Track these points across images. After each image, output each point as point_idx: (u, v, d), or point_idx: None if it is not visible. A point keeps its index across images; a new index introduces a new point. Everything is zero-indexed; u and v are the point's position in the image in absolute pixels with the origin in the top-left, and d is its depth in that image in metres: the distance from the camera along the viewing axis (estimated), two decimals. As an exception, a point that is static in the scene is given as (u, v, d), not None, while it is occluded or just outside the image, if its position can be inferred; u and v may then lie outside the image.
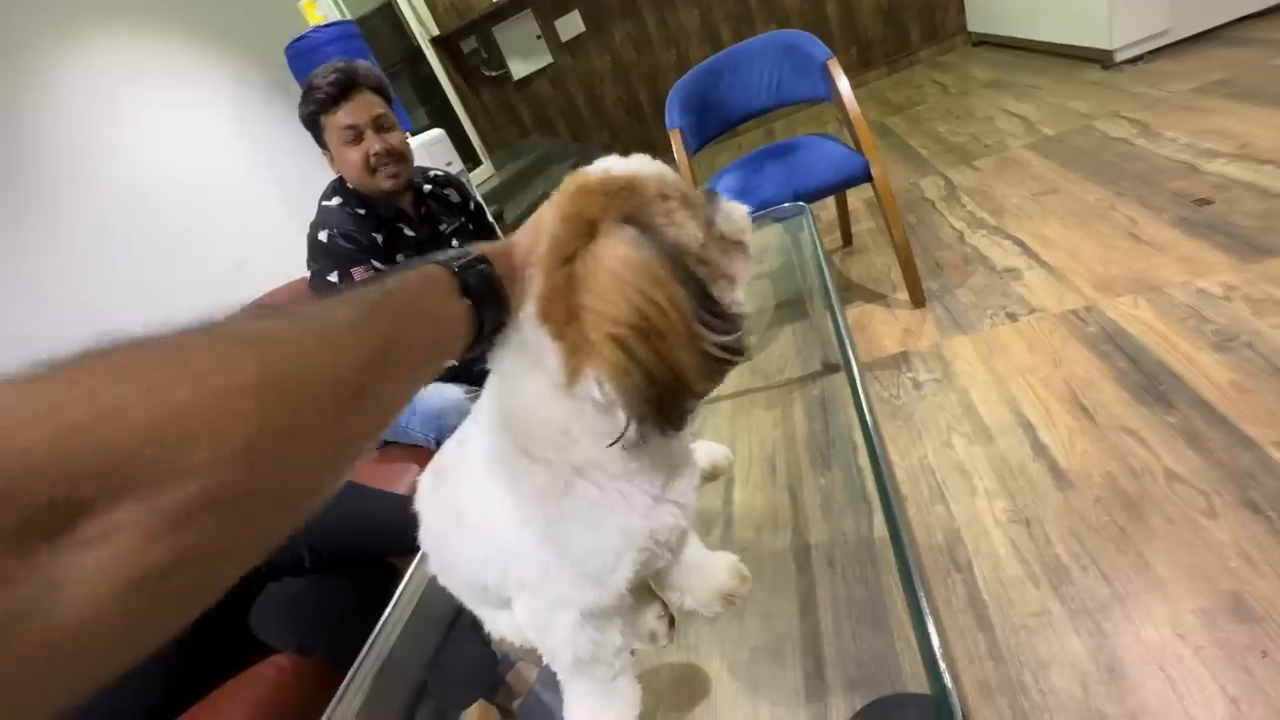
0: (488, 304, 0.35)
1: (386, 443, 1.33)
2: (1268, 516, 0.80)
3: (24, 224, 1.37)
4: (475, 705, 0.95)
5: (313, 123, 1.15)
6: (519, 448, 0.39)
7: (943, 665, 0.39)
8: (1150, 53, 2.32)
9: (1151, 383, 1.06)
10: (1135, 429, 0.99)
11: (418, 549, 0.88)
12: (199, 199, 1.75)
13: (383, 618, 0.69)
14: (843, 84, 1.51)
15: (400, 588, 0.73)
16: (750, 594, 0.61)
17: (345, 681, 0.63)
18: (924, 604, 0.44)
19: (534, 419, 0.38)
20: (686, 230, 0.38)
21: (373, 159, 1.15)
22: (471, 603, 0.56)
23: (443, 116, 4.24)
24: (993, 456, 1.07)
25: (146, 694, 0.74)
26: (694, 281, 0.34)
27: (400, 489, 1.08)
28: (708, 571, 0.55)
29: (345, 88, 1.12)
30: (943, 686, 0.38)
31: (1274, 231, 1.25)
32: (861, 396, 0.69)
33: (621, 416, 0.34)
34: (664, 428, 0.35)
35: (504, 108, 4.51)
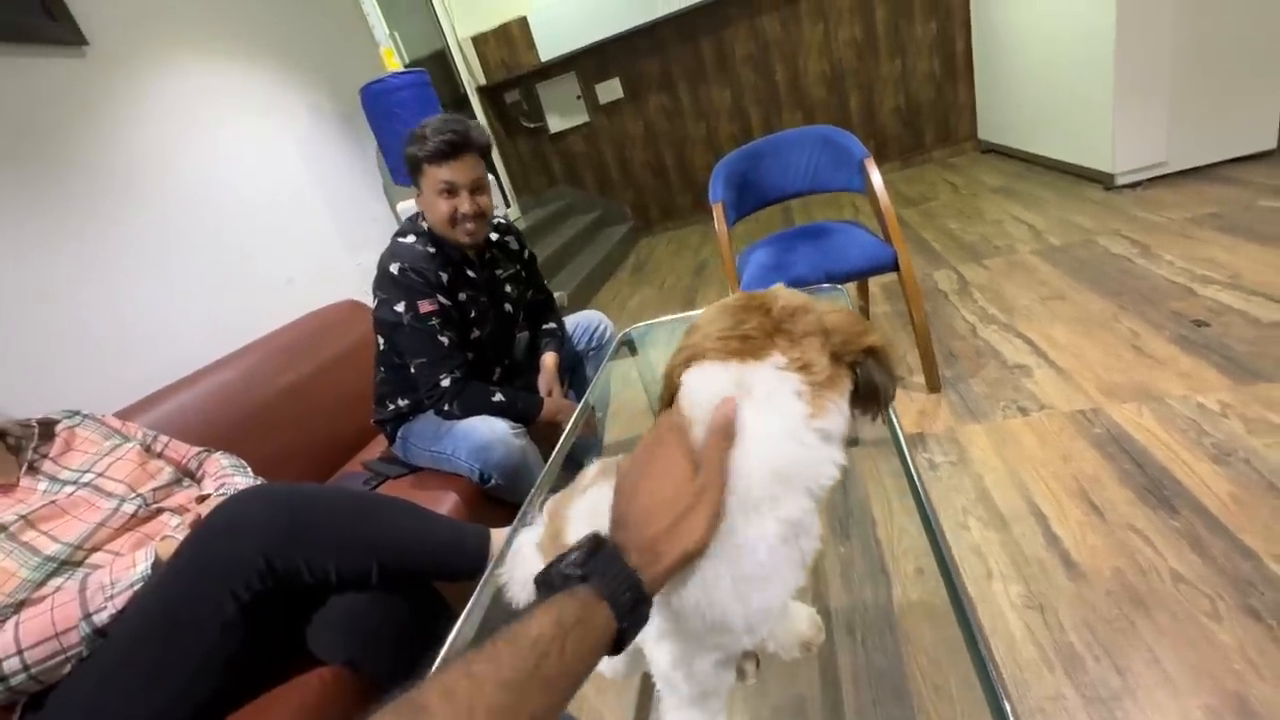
0: (633, 626, 0.40)
1: (420, 469, 1.37)
2: (1269, 625, 0.86)
3: (98, 230, 1.44)
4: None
5: (415, 166, 1.25)
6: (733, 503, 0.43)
7: (1010, 716, 0.44)
8: (1148, 180, 2.53)
9: (1156, 486, 1.14)
10: (1141, 529, 1.06)
11: (466, 575, 0.92)
12: (258, 217, 1.84)
13: (443, 650, 0.71)
14: (878, 181, 1.64)
15: (459, 622, 0.75)
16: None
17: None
18: (987, 657, 0.49)
19: (764, 471, 0.43)
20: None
21: (459, 215, 1.24)
22: None
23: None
24: (1007, 542, 1.13)
25: (199, 692, 0.76)
26: None
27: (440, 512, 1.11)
28: (791, 619, 0.60)
29: (457, 148, 1.21)
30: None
31: (1264, 358, 1.36)
32: (912, 467, 0.76)
33: (841, 445, 0.45)
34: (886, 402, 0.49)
35: (537, 157, 4.73)
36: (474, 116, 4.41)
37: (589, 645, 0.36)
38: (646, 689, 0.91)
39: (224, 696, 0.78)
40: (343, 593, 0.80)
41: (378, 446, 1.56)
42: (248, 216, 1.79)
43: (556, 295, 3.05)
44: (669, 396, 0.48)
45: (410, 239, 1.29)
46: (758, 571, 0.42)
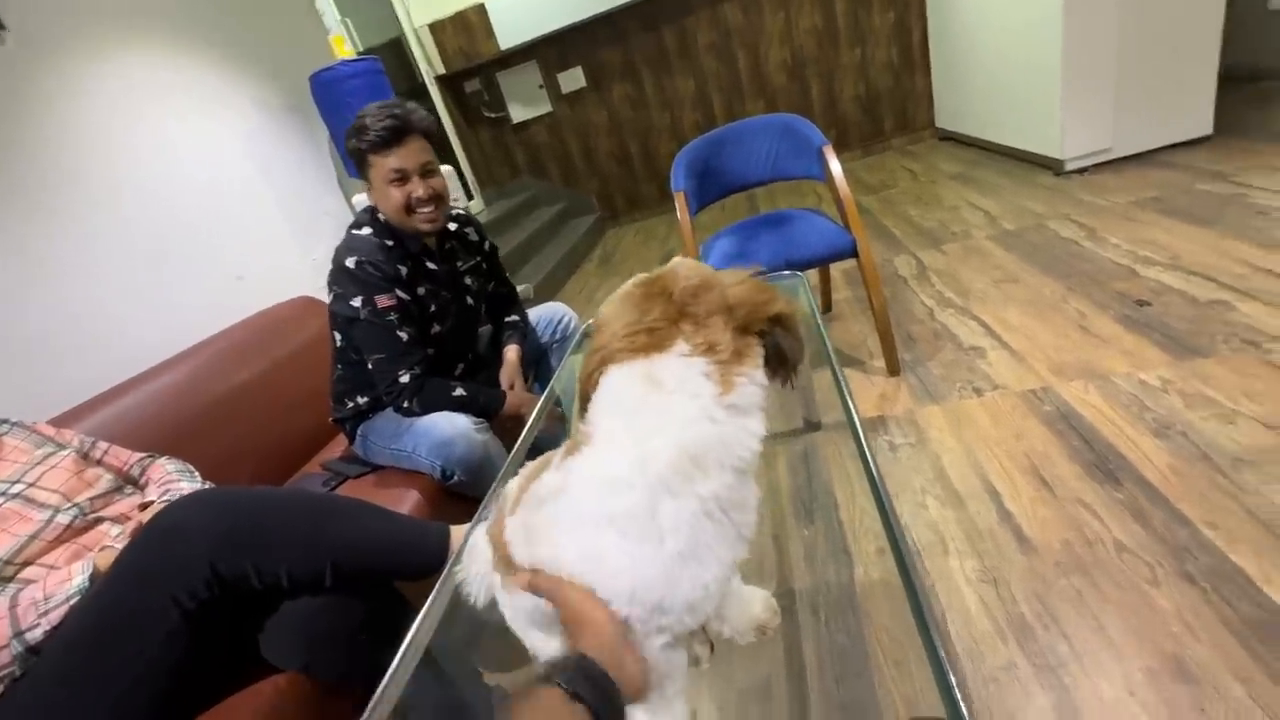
0: (604, 706, 0.39)
1: (381, 467, 1.34)
2: (1202, 588, 0.91)
3: (38, 226, 1.37)
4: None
5: (359, 158, 1.21)
6: (641, 505, 0.43)
7: (956, 689, 0.46)
8: (1094, 166, 2.62)
9: (1102, 461, 1.18)
10: (1088, 502, 1.10)
11: (426, 573, 0.90)
12: (204, 213, 1.76)
13: (400, 651, 0.70)
14: (836, 169, 1.66)
15: (418, 620, 0.73)
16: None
17: (368, 712, 0.64)
18: (936, 637, 0.50)
19: (671, 454, 0.43)
20: None
21: (414, 201, 1.21)
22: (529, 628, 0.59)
23: (439, 150, 4.34)
24: (963, 519, 1.16)
25: (141, 701, 0.73)
26: None
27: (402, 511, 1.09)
28: (745, 603, 0.60)
29: (399, 133, 1.17)
30: (958, 711, 0.45)
31: (1202, 335, 1.43)
32: (867, 450, 0.77)
33: (760, 415, 0.46)
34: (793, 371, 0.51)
35: (499, 147, 4.65)
36: (433, 107, 4.30)
37: None
38: None
39: (172, 708, 0.75)
40: (296, 597, 0.78)
41: (338, 446, 1.52)
42: (193, 212, 1.72)
43: (522, 288, 3.02)
44: (585, 403, 0.50)
45: (366, 231, 1.25)
46: (685, 550, 0.42)
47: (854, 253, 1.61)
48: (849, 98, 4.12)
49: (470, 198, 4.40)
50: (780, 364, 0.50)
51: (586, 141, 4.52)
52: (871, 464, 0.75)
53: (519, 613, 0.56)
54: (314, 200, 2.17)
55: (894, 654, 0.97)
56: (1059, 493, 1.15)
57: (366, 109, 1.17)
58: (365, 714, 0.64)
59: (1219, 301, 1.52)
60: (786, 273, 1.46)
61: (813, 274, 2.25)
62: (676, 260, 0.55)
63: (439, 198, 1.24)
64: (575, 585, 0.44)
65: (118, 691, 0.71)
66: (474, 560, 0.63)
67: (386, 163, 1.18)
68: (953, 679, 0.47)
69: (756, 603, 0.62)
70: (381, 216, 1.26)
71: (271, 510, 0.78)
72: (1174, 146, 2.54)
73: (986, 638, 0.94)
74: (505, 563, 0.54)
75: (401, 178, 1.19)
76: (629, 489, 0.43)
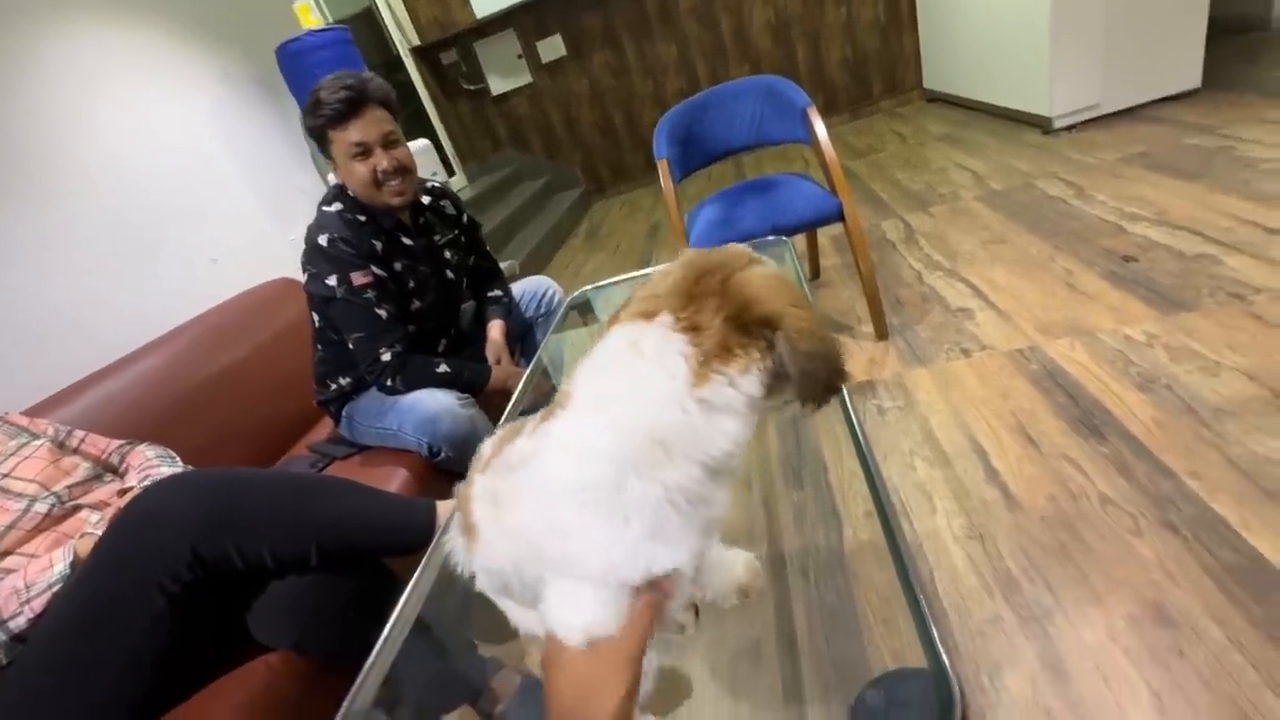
0: None
1: (368, 447, 1.33)
2: (1184, 536, 0.92)
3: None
4: (456, 711, 0.96)
5: (319, 135, 1.17)
6: (608, 477, 0.41)
7: (938, 641, 0.46)
8: (1083, 123, 2.59)
9: (1087, 417, 1.19)
10: (1074, 457, 1.11)
11: (413, 549, 0.90)
12: (177, 192, 1.71)
13: (390, 622, 0.70)
14: (820, 130, 1.63)
15: (405, 593, 0.74)
16: (763, 590, 0.66)
17: (356, 685, 0.64)
18: (917, 589, 0.50)
19: (641, 433, 0.41)
20: None
21: (380, 175, 1.17)
22: (501, 595, 0.59)
23: (418, 124, 4.24)
24: (950, 479, 1.17)
25: (133, 688, 0.73)
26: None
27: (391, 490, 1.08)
28: (727, 567, 0.60)
29: (355, 104, 1.13)
30: (939, 661, 0.45)
31: (1187, 289, 1.42)
32: (852, 413, 0.77)
33: (740, 419, 0.42)
34: (819, 396, 0.43)
35: (480, 121, 4.54)
36: (409, 80, 4.19)
37: None
38: None
39: (164, 691, 0.75)
40: (282, 576, 0.78)
41: (325, 428, 1.51)
42: (163, 193, 1.67)
43: (508, 264, 2.98)
44: None
45: (335, 208, 1.22)
46: (651, 532, 0.41)
47: (840, 217, 1.59)
48: (836, 61, 4.04)
49: (452, 173, 4.31)
50: (800, 383, 0.43)
51: (568, 112, 4.43)
52: (858, 429, 0.74)
53: (484, 576, 0.56)
54: (287, 178, 2.11)
55: (882, 612, 0.98)
56: (1045, 449, 1.15)
57: (321, 83, 1.13)
58: (355, 685, 0.64)
59: (1205, 255, 1.52)
60: (771, 238, 1.44)
61: (801, 241, 2.23)
62: (728, 245, 0.51)
63: (405, 169, 1.20)
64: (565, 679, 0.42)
65: (108, 678, 0.70)
66: (459, 531, 0.63)
67: (346, 136, 1.14)
68: (934, 631, 0.47)
69: (738, 566, 0.61)
70: (351, 192, 1.22)
71: (251, 491, 0.77)
72: (1162, 101, 2.51)
73: (973, 593, 0.96)
74: (467, 524, 0.53)
75: (364, 151, 1.15)
76: (600, 460, 0.42)
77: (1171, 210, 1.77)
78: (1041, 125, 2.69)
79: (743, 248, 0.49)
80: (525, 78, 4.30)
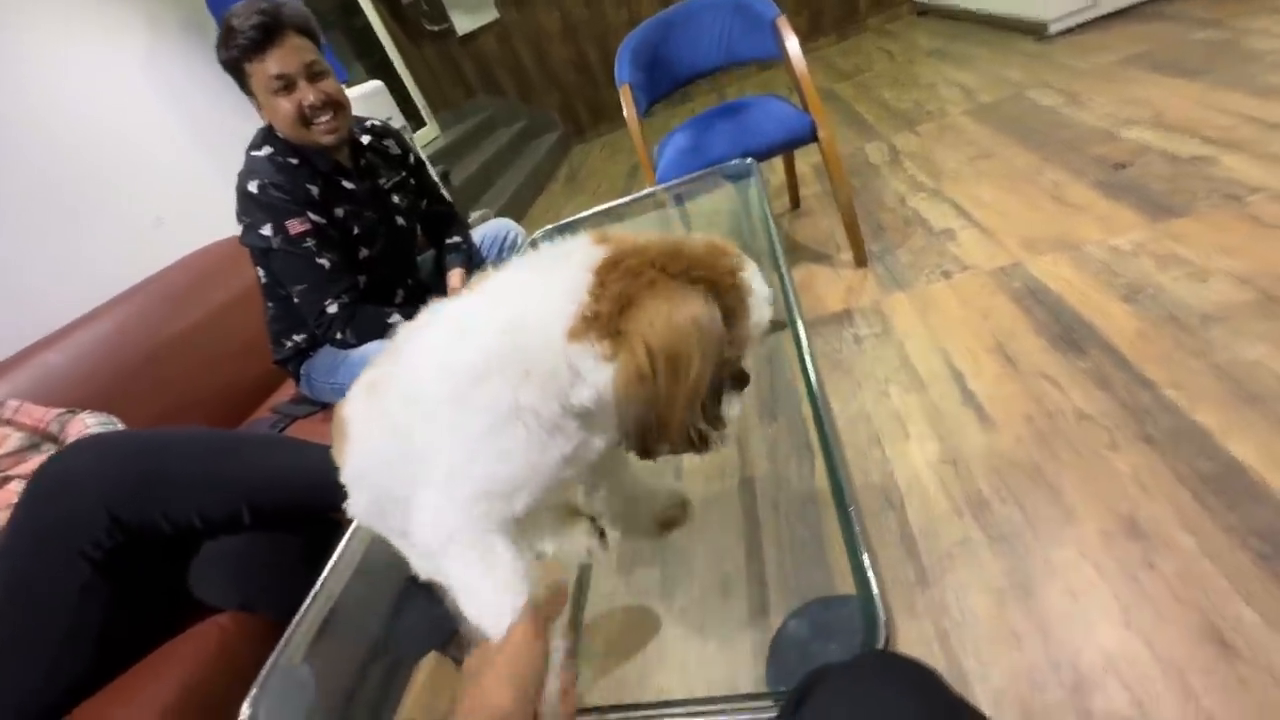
0: None
1: (329, 405, 1.29)
2: (1160, 448, 0.88)
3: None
4: (429, 656, 0.96)
5: (235, 69, 1.07)
6: (474, 365, 0.39)
7: (868, 566, 0.42)
8: (1080, 25, 2.42)
9: (1067, 332, 1.14)
10: (1052, 374, 1.07)
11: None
12: (113, 150, 1.62)
13: (325, 570, 0.68)
14: (791, 43, 1.51)
15: (344, 540, 0.72)
16: (695, 528, 0.63)
17: (287, 634, 0.62)
18: (853, 514, 0.47)
19: (522, 345, 0.39)
20: (738, 328, 0.41)
21: (307, 110, 1.08)
22: (395, 536, 0.57)
23: (383, 72, 4.03)
24: (925, 404, 1.13)
25: (74, 661, 0.71)
26: (717, 368, 0.39)
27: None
28: (645, 502, 0.57)
29: (270, 31, 1.04)
30: (867, 586, 0.41)
31: (1179, 194, 1.34)
32: (805, 351, 0.72)
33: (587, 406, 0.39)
34: (633, 447, 0.40)
35: (448, 65, 4.32)
36: (368, 24, 3.95)
37: None
38: (599, 634, 0.92)
39: (109, 660, 0.73)
40: (215, 537, 0.75)
41: (289, 389, 1.47)
42: (92, 151, 1.57)
43: (482, 213, 2.88)
44: None
45: (265, 151, 1.14)
46: (488, 435, 0.39)
47: (814, 137, 1.49)
48: (819, -26, 3.78)
49: (422, 123, 4.13)
50: None
51: (540, 50, 4.19)
52: (808, 364, 0.69)
53: (358, 495, 0.54)
54: (230, 130, 1.99)
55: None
56: (1022, 368, 1.11)
57: (232, 9, 1.03)
58: (289, 630, 0.62)
59: (1201, 157, 1.43)
60: (736, 161, 1.35)
61: (780, 170, 2.13)
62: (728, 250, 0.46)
63: (335, 103, 1.11)
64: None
65: (44, 654, 0.69)
66: (361, 490, 0.60)
67: (265, 69, 1.05)
68: (863, 554, 0.43)
69: (661, 499, 0.58)
70: (279, 133, 1.14)
71: (169, 451, 0.73)
72: (1166, -6, 2.33)
73: (944, 516, 0.93)
74: (340, 434, 0.53)
75: (286, 85, 1.06)
76: (473, 348, 0.40)
77: (1169, 111, 1.66)
78: (1036, 32, 2.52)
79: (739, 260, 0.43)
80: (491, 13, 4.05)
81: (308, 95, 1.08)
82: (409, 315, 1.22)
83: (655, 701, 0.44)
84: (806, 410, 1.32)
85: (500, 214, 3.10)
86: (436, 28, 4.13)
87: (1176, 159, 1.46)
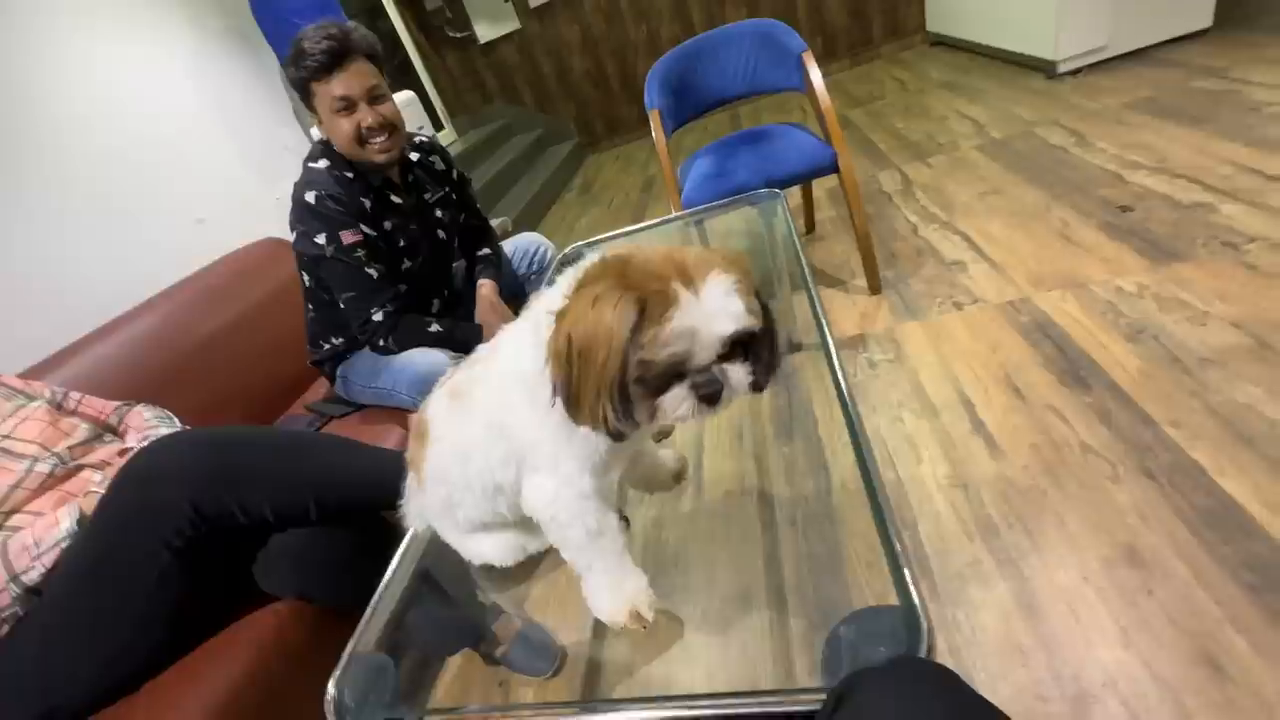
0: None
1: (365, 407, 1.35)
2: (1159, 483, 0.94)
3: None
4: (459, 655, 1.01)
5: (302, 88, 1.13)
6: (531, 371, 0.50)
7: (910, 580, 0.48)
8: (1088, 66, 2.51)
9: (1073, 368, 1.20)
10: (1058, 407, 1.13)
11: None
12: (157, 150, 1.67)
13: (391, 566, 0.74)
14: (816, 77, 1.58)
15: (406, 540, 0.77)
16: (716, 540, 0.71)
17: (362, 622, 0.67)
18: (891, 529, 0.52)
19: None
20: (649, 333, 0.44)
21: (365, 131, 1.14)
22: (456, 530, 0.65)
23: (404, 77, 4.10)
24: (937, 430, 1.19)
25: (145, 641, 0.76)
26: (627, 366, 0.45)
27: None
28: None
29: (338, 55, 1.09)
30: (909, 597, 0.47)
31: (1181, 239, 1.42)
32: (837, 367, 0.78)
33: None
34: (572, 417, 0.48)
35: (468, 72, 4.39)
36: (392, 29, 4.02)
37: None
38: (623, 636, 0.98)
39: (175, 642, 0.78)
40: (284, 530, 0.80)
41: (322, 387, 1.52)
42: (138, 152, 1.63)
43: (500, 221, 2.94)
44: None
45: (322, 164, 1.20)
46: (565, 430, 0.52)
47: (835, 168, 1.56)
48: (837, 1, 3.88)
49: (440, 128, 4.20)
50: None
51: (560, 61, 4.27)
52: (842, 383, 0.76)
53: (433, 489, 0.63)
54: (270, 134, 2.06)
55: (867, 557, 1.01)
56: (1030, 400, 1.17)
57: (303, 32, 1.09)
58: (359, 629, 0.67)
59: (1201, 204, 1.50)
60: (764, 190, 1.42)
61: (795, 194, 2.20)
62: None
63: (391, 125, 1.17)
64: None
65: (121, 630, 0.74)
66: (411, 496, 0.70)
67: (330, 90, 1.11)
68: (905, 569, 0.49)
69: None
70: (336, 148, 1.20)
71: (249, 448, 0.78)
72: (1171, 42, 2.43)
73: (954, 538, 0.99)
74: (417, 435, 0.62)
75: (348, 106, 1.12)
76: (529, 357, 0.51)
77: (1172, 157, 1.74)
78: (1045, 70, 2.61)
79: (700, 272, 0.46)
80: (513, 24, 4.13)
81: (367, 117, 1.14)
82: (445, 325, 1.28)
83: (722, 691, 0.49)
84: (823, 430, 1.38)
85: (516, 222, 3.17)
86: (459, 35, 4.20)
87: (1178, 205, 1.53)
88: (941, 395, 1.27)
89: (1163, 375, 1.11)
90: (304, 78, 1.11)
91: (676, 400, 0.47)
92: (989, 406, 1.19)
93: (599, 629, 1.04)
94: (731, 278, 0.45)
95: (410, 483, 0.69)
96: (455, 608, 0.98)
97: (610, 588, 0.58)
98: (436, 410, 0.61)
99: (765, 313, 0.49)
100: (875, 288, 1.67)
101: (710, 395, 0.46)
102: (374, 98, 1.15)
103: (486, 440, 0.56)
